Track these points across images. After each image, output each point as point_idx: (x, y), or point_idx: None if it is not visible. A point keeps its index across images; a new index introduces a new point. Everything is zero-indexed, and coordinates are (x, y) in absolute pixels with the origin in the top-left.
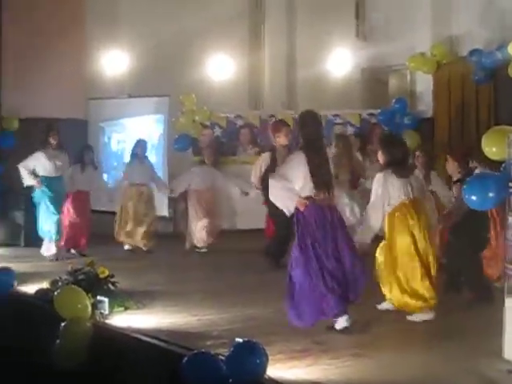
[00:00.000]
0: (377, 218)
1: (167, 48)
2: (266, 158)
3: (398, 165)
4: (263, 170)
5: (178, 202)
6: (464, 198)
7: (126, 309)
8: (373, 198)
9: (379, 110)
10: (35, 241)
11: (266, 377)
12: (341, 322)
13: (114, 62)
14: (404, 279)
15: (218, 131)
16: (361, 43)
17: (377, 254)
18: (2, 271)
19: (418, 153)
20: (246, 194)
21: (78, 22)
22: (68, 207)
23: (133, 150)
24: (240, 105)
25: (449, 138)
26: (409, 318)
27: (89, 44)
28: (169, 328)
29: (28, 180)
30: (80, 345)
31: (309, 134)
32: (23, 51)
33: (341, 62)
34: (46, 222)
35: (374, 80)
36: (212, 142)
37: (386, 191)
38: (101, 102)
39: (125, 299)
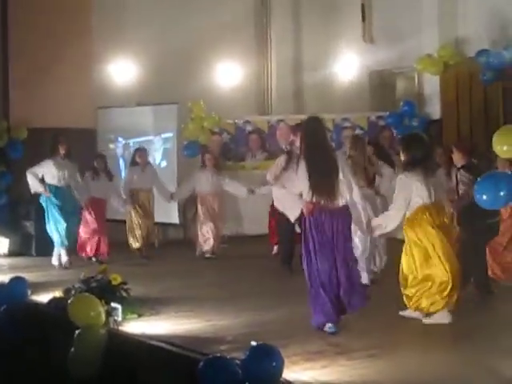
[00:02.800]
0: (397, 219)
1: (175, 56)
2: (283, 159)
3: (419, 165)
4: (279, 171)
5: (188, 209)
6: (475, 197)
7: (140, 316)
8: (396, 200)
9: (387, 113)
10: (47, 250)
11: (282, 379)
12: (327, 328)
13: (122, 70)
14: (428, 282)
15: (226, 137)
16: (368, 46)
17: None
18: (15, 281)
19: (439, 150)
20: (252, 191)
21: (86, 31)
22: (86, 216)
23: (132, 158)
24: (248, 110)
25: (457, 138)
26: (425, 320)
27: (97, 53)
28: (183, 333)
29: (35, 187)
30: (94, 352)
31: (311, 140)
32: (31, 61)
33: (348, 65)
34: (54, 231)
35: (381, 83)
36: (220, 148)
37: (406, 193)
38: (110, 111)
39: (138, 306)
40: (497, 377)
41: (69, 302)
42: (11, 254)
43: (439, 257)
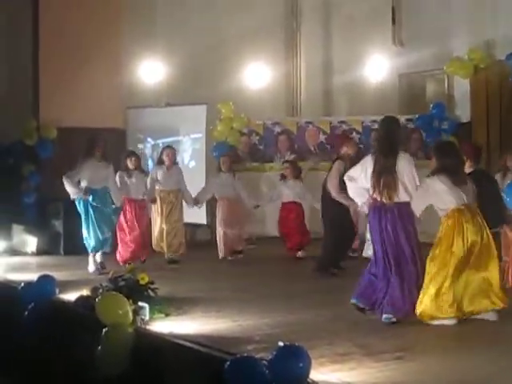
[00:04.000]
0: (420, 206)
1: (204, 56)
2: (339, 166)
3: (449, 173)
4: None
5: (216, 209)
6: (505, 200)
7: (167, 315)
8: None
9: (417, 116)
10: (75, 249)
11: (310, 380)
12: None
13: (151, 71)
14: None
15: (255, 138)
16: (397, 49)
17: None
18: (44, 279)
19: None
20: (257, 206)
21: (116, 32)
22: (122, 220)
23: (159, 156)
24: (277, 112)
25: (487, 141)
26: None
27: (127, 54)
28: (210, 333)
29: (73, 192)
30: (122, 351)
31: (382, 137)
32: (62, 61)
33: (377, 67)
34: (92, 236)
35: (411, 85)
36: (248, 149)
37: (437, 195)
38: (139, 111)
39: (165, 305)
40: None
41: (96, 300)
42: (39, 252)
43: (470, 259)
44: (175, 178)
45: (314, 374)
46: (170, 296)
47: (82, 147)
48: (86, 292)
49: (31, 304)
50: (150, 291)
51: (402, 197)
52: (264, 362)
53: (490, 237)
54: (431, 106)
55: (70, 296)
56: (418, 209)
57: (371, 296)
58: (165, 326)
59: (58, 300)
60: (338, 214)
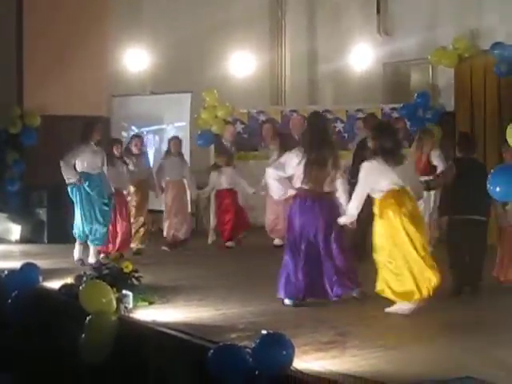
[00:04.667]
0: (357, 206)
1: (189, 45)
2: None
3: (388, 153)
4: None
5: (200, 199)
6: (489, 189)
7: (151, 303)
8: (358, 185)
9: (401, 105)
10: (58, 237)
11: (293, 368)
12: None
13: (136, 59)
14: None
15: (239, 127)
16: (382, 38)
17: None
18: (27, 267)
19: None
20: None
21: (102, 19)
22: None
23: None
24: (262, 100)
25: (471, 131)
26: (388, 310)
27: (112, 41)
28: (194, 322)
29: (71, 176)
30: (105, 338)
31: (313, 132)
32: (46, 48)
33: (362, 57)
34: (80, 224)
35: (395, 74)
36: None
37: (371, 179)
38: (124, 99)
39: (149, 294)
40: (501, 366)
41: (80, 288)
42: (23, 240)
43: (409, 241)
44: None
45: (297, 362)
46: (154, 284)
47: (66, 135)
48: (69, 280)
49: (15, 292)
50: (133, 279)
51: (328, 188)
52: (247, 350)
53: (422, 219)
54: (415, 95)
55: (54, 284)
56: (352, 208)
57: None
58: (148, 314)
59: (41, 288)
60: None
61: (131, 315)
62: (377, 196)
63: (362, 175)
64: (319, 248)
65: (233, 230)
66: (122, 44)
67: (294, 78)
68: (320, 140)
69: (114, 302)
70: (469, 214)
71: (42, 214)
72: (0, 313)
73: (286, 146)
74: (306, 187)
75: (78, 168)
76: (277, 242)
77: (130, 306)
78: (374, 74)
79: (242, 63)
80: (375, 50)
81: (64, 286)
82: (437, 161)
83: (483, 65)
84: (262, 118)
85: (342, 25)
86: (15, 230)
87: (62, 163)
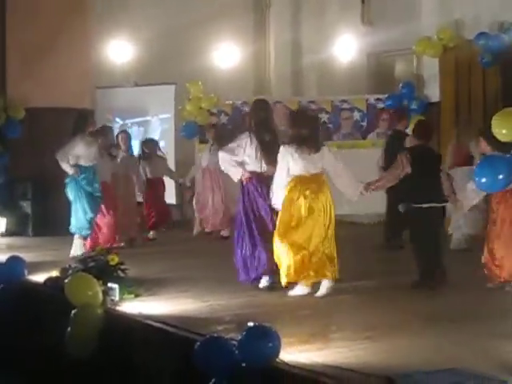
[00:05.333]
0: (279, 187)
1: (173, 36)
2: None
3: (303, 141)
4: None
5: (184, 189)
6: (474, 180)
7: (137, 296)
8: (276, 169)
9: (386, 95)
10: (43, 230)
11: (279, 360)
12: (264, 281)
13: (120, 50)
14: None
15: (224, 118)
16: (366, 28)
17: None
18: (13, 260)
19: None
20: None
21: (85, 10)
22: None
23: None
24: (246, 92)
25: (456, 121)
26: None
27: (95, 33)
28: (180, 314)
29: (70, 170)
30: (91, 331)
31: (259, 118)
32: (29, 40)
33: (346, 47)
34: (79, 218)
35: (380, 65)
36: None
37: (284, 164)
38: (108, 91)
39: (135, 286)
40: (490, 357)
41: (66, 281)
42: (8, 233)
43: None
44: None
45: (283, 354)
46: (141, 277)
47: (49, 127)
48: (55, 273)
49: (0, 285)
50: (119, 272)
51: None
52: (233, 342)
53: (328, 208)
54: (400, 85)
55: (40, 277)
56: (277, 185)
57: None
58: (134, 306)
59: (27, 281)
60: None
61: (117, 308)
62: (288, 180)
63: (278, 159)
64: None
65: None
66: (105, 35)
67: (279, 69)
68: (265, 125)
69: (100, 295)
70: (426, 202)
71: (27, 206)
72: None
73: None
74: (258, 170)
75: (73, 161)
76: (224, 233)
77: (117, 298)
78: (358, 64)
79: (226, 54)
80: (359, 41)
81: (49, 279)
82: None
83: (468, 55)
84: (246, 109)
85: (326, 15)
86: (0, 223)
87: (58, 158)
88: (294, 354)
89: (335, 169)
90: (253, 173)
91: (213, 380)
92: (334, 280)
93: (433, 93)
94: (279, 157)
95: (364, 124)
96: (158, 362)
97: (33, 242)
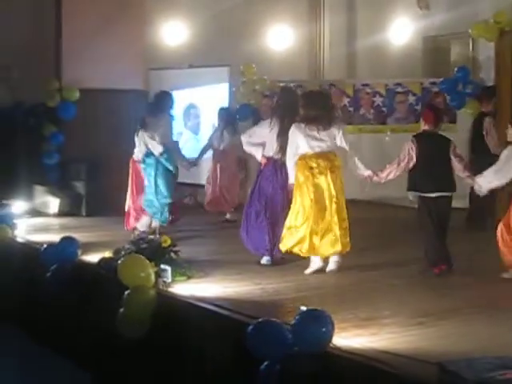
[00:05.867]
0: (291, 165)
1: (227, 18)
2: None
3: (312, 120)
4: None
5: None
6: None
7: (189, 278)
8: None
9: (441, 79)
10: (97, 211)
11: (332, 345)
12: (264, 260)
13: (174, 32)
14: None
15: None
16: (422, 11)
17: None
18: (66, 240)
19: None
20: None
21: None
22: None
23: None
24: (300, 74)
25: (511, 105)
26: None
27: (149, 14)
28: (232, 297)
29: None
30: (144, 313)
31: (284, 105)
32: (83, 22)
33: (402, 30)
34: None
35: (435, 48)
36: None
37: (294, 141)
38: (162, 73)
39: (187, 268)
40: None
41: (119, 262)
42: (61, 214)
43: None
44: None
45: (336, 339)
46: (192, 258)
47: (103, 109)
48: (108, 254)
49: (54, 266)
50: (172, 254)
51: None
52: (287, 326)
53: (332, 187)
54: (455, 69)
55: (93, 258)
56: (288, 162)
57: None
58: (187, 288)
59: (80, 262)
60: None
61: (170, 290)
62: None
63: (289, 136)
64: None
65: None
66: (159, 17)
67: (333, 52)
68: (291, 113)
69: (153, 277)
70: (433, 191)
71: (80, 187)
72: (39, 287)
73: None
74: (275, 156)
75: (160, 142)
76: (228, 216)
77: (169, 280)
78: (413, 47)
79: (280, 37)
80: (415, 24)
81: (102, 260)
82: None
83: None
84: (300, 92)
85: None
86: (53, 204)
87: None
88: (347, 338)
89: (341, 151)
90: (270, 158)
91: (265, 363)
92: (343, 254)
93: (488, 77)
94: (290, 134)
95: (418, 108)
96: (211, 345)
97: (86, 222)
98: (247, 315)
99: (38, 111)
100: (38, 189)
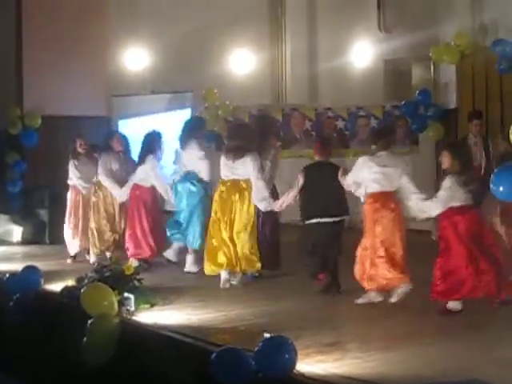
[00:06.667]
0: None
1: (189, 43)
2: None
3: (228, 150)
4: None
5: None
6: (492, 189)
7: (153, 305)
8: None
9: (403, 102)
10: (60, 238)
11: (295, 371)
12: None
13: (136, 58)
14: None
15: None
16: (383, 35)
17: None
18: (29, 270)
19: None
20: None
21: (101, 18)
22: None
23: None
24: (262, 98)
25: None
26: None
27: (111, 41)
28: (196, 324)
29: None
30: (107, 341)
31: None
32: (46, 48)
33: (363, 54)
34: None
35: (396, 72)
36: None
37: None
38: (125, 99)
39: (151, 296)
40: (506, 366)
41: (82, 291)
42: (24, 242)
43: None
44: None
45: (299, 365)
46: (156, 286)
47: (66, 135)
48: (71, 282)
49: (16, 295)
50: (135, 281)
51: None
52: (250, 353)
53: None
54: (417, 92)
55: (56, 287)
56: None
57: None
58: (150, 316)
59: (43, 291)
60: None
61: (133, 318)
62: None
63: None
64: None
65: None
66: (121, 43)
67: (295, 75)
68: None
69: (116, 305)
70: (319, 217)
71: (44, 214)
72: (2, 316)
73: None
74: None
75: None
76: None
77: (132, 308)
78: (375, 71)
79: (242, 61)
80: (376, 47)
81: (65, 289)
82: None
83: (485, 61)
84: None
85: (342, 21)
86: (17, 232)
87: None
88: (310, 364)
89: (252, 178)
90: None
91: None
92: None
93: (450, 99)
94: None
95: None
96: (175, 373)
97: (49, 250)
98: (211, 343)
99: (0, 139)
100: (1, 217)
